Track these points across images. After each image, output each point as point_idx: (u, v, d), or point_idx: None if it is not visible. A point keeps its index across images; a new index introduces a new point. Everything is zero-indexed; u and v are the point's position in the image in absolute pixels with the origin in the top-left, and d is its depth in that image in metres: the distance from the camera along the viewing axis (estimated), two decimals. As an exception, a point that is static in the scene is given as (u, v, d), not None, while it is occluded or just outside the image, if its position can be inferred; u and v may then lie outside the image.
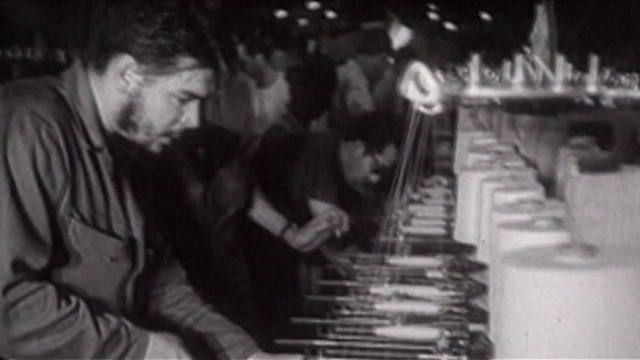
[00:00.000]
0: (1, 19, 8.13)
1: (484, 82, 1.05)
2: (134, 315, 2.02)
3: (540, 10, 2.83)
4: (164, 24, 1.96)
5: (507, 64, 1.22)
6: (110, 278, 2.01)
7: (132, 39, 1.97)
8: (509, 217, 1.43)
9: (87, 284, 1.96)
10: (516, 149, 2.52)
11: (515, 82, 1.04)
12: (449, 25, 19.61)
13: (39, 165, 1.87)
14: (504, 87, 1.04)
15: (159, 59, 1.97)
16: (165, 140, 2.05)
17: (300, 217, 3.28)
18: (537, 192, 1.65)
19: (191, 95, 2.00)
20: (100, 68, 2.01)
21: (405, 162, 1.48)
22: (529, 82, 1.04)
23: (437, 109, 1.18)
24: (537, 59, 1.08)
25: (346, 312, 2.26)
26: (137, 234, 2.06)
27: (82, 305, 1.89)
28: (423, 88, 1.03)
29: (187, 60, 1.97)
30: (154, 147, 2.05)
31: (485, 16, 20.70)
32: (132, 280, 2.05)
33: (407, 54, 9.06)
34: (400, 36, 10.77)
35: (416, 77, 1.02)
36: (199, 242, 2.66)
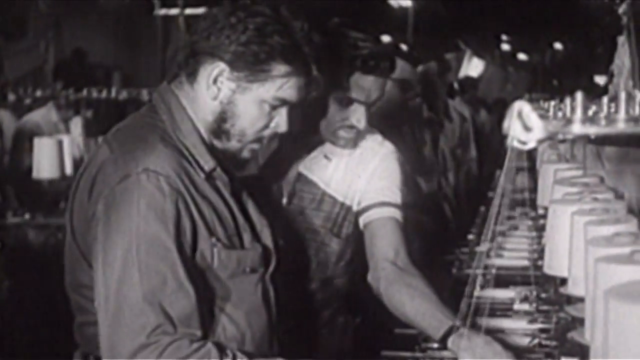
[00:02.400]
0: (81, 60, 8.33)
1: (587, 119, 1.07)
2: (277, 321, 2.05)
3: (621, 41, 2.83)
4: (256, 30, 1.94)
5: (604, 99, 1.23)
6: (254, 286, 2.01)
7: (224, 45, 1.94)
8: (606, 251, 1.43)
9: (242, 300, 1.97)
10: (602, 180, 2.51)
11: (618, 119, 1.06)
12: (521, 56, 19.50)
13: (170, 220, 1.86)
14: (607, 124, 1.05)
15: (253, 66, 1.95)
16: (255, 146, 2.05)
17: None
18: (632, 225, 1.65)
19: (283, 102, 1.99)
20: (192, 76, 1.99)
21: (501, 196, 1.50)
22: (631, 118, 1.06)
23: (532, 144, 1.20)
24: (638, 94, 1.10)
25: (434, 345, 2.26)
26: (265, 235, 2.06)
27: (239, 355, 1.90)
28: (526, 125, 1.05)
29: (281, 68, 1.96)
30: (245, 154, 2.04)
31: (557, 46, 20.56)
32: (269, 281, 2.04)
33: (471, 83, 9.08)
34: (473, 67, 10.79)
35: (520, 115, 1.04)
36: None
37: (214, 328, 1.93)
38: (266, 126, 2.01)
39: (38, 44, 11.69)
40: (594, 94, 1.57)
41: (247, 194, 2.09)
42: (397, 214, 2.50)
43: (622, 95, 1.07)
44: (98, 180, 1.92)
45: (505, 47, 20.73)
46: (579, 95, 1.09)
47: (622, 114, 1.07)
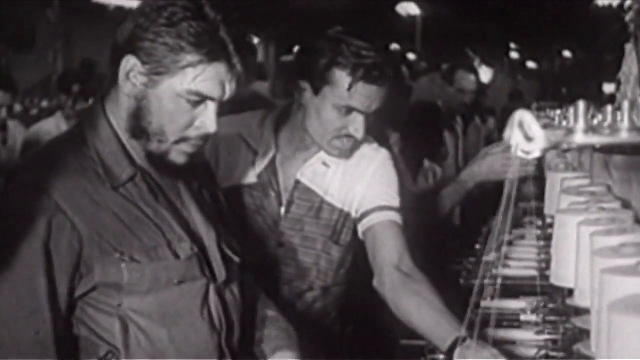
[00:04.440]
0: (89, 69, 8.33)
1: (589, 128, 1.05)
2: (226, 331, 1.96)
3: (628, 49, 2.81)
4: (166, 19, 1.84)
5: (608, 108, 1.21)
6: (187, 299, 1.92)
7: (137, 37, 1.85)
8: (612, 262, 1.41)
9: (165, 314, 1.89)
10: (609, 189, 2.49)
11: (622, 128, 1.04)
12: (530, 64, 19.48)
13: (37, 238, 1.79)
14: (611, 134, 1.03)
15: (162, 57, 1.84)
16: (186, 149, 1.91)
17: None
18: (638, 235, 1.62)
19: (200, 96, 1.86)
20: (114, 77, 1.89)
21: (505, 206, 1.48)
22: (635, 127, 1.04)
23: (537, 154, 1.18)
24: (642, 103, 1.08)
25: (441, 356, 2.24)
26: (209, 245, 1.98)
27: None
28: (528, 135, 1.04)
29: (190, 57, 1.83)
30: (175, 156, 1.91)
31: (566, 54, 20.53)
32: (214, 294, 1.96)
33: (481, 91, 9.05)
34: (482, 75, 10.76)
35: (521, 125, 1.03)
36: None
37: (128, 344, 1.86)
38: (188, 125, 1.89)
39: (47, 55, 11.73)
40: (603, 102, 1.55)
41: (192, 201, 2.01)
42: (397, 217, 2.49)
43: (626, 104, 1.05)
44: None
45: (514, 55, 20.73)
46: (581, 105, 1.07)
47: (625, 123, 1.05)
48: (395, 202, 2.51)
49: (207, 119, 1.89)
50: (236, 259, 2.05)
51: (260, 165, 2.51)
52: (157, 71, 1.85)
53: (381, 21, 13.53)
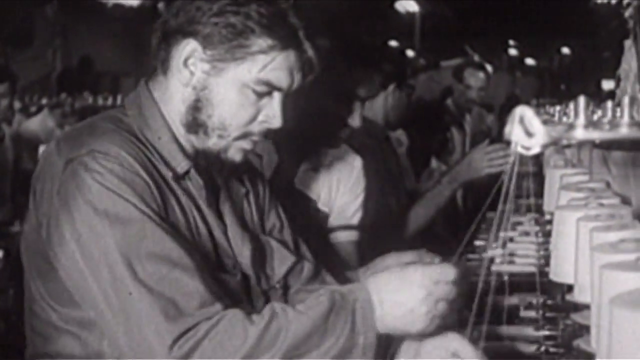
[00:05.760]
0: (88, 67, 8.33)
1: (590, 124, 1.05)
2: None
3: (628, 45, 2.82)
4: None
5: (608, 104, 1.22)
6: None
7: (195, 19, 1.65)
8: (612, 258, 1.41)
9: None
10: (608, 185, 2.49)
11: (622, 124, 1.05)
12: (529, 60, 19.51)
13: (134, 191, 1.57)
14: (611, 129, 1.04)
15: (228, 41, 1.64)
16: (245, 145, 1.72)
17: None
18: (638, 231, 1.62)
19: (269, 86, 1.67)
20: (165, 63, 1.69)
21: (507, 202, 1.48)
22: (635, 122, 1.05)
23: (536, 150, 1.18)
24: (642, 99, 1.08)
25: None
26: (245, 266, 1.76)
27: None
28: (529, 131, 1.04)
29: (261, 42, 1.64)
30: (232, 154, 1.72)
31: (565, 50, 20.54)
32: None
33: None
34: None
35: (522, 120, 1.03)
36: None
37: None
38: (253, 119, 1.69)
39: (45, 52, 11.73)
40: (601, 98, 1.55)
41: (231, 210, 1.80)
42: (356, 236, 2.57)
43: (626, 100, 1.05)
44: (41, 177, 1.65)
45: (513, 52, 20.76)
46: (581, 100, 1.07)
47: (625, 118, 1.05)
48: (358, 217, 2.57)
49: (273, 112, 1.69)
50: (272, 283, 1.84)
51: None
52: (221, 57, 1.66)
53: (380, 18, 13.52)
